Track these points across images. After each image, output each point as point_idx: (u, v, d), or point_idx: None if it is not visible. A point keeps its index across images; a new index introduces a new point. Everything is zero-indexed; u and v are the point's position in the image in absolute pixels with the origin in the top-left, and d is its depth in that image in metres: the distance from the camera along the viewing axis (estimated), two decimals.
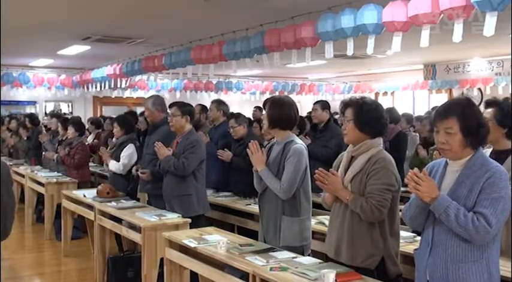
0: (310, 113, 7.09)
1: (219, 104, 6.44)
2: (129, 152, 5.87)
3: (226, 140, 5.99)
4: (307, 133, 6.26)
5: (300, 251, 3.53)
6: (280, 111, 3.65)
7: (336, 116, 15.31)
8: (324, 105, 6.16)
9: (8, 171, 2.61)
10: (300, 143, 3.65)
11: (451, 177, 2.54)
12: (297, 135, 4.05)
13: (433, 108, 9.76)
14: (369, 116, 3.04)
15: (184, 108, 4.91)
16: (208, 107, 6.78)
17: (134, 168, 5.54)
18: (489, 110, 3.25)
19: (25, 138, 9.59)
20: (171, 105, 5.01)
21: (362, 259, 2.97)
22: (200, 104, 7.18)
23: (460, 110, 2.49)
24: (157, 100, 5.49)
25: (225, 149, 5.72)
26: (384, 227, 2.98)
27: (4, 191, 2.49)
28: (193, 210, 4.76)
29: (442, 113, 2.54)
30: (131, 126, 6.28)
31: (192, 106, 5.14)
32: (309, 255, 3.54)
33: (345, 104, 3.16)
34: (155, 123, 5.42)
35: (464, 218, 2.37)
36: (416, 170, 2.51)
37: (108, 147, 6.56)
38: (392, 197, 2.96)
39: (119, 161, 5.88)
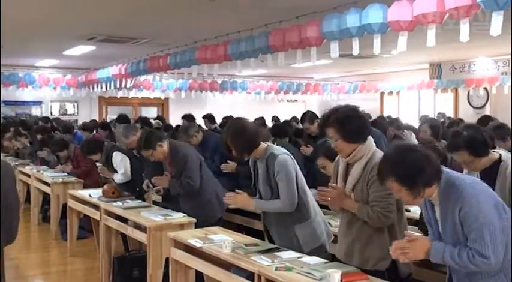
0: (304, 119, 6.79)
1: (186, 131, 6.13)
2: (118, 159, 5.86)
3: (220, 150, 5.86)
4: (307, 142, 6.23)
5: (324, 247, 3.57)
6: (242, 139, 3.55)
7: None
8: (311, 118, 6.10)
9: (12, 170, 2.58)
10: (281, 153, 3.57)
11: (437, 209, 2.54)
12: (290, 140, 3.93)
13: (429, 119, 9.71)
14: (353, 126, 2.99)
15: (149, 143, 4.73)
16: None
17: (145, 184, 5.37)
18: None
19: (28, 144, 9.57)
20: (141, 150, 4.85)
21: (373, 263, 2.99)
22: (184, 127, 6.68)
23: (392, 170, 2.45)
24: (127, 129, 5.80)
25: (228, 161, 5.69)
26: (393, 228, 3.00)
27: (6, 189, 2.47)
28: (218, 213, 4.75)
29: (379, 178, 2.55)
30: (99, 144, 6.23)
31: (152, 133, 4.94)
32: (332, 241, 3.58)
33: (323, 126, 3.10)
34: None
35: (461, 260, 2.37)
36: (396, 241, 2.56)
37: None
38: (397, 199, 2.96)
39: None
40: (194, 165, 4.74)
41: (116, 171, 5.89)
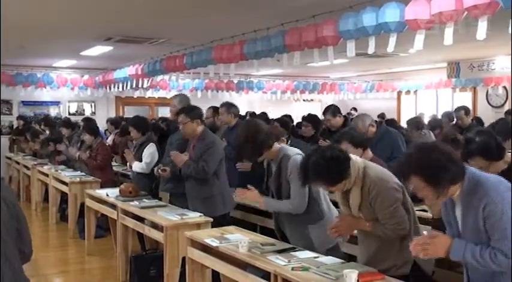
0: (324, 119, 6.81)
1: (228, 107, 6.33)
2: (150, 151, 5.94)
3: None
4: (326, 136, 6.21)
5: (338, 247, 3.61)
6: (253, 142, 3.58)
7: (355, 113, 15.06)
8: (334, 111, 6.08)
9: (12, 194, 2.52)
10: (294, 154, 3.60)
11: (459, 207, 2.51)
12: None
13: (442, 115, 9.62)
14: (333, 172, 2.95)
15: (192, 113, 4.86)
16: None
17: (156, 167, 5.58)
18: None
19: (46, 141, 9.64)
20: (178, 113, 4.96)
21: (396, 268, 3.00)
22: (212, 107, 7.13)
23: (417, 169, 2.40)
24: (184, 98, 5.70)
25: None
26: (409, 232, 3.02)
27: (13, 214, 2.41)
28: (218, 210, 4.76)
29: (402, 176, 2.53)
30: (147, 127, 6.34)
31: (199, 108, 5.05)
32: (350, 242, 3.64)
33: (305, 183, 3.18)
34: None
35: (482, 258, 2.34)
36: (416, 238, 2.54)
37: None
38: (403, 202, 3.01)
39: (141, 161, 5.94)
40: (215, 155, 4.76)
41: (140, 161, 5.96)
